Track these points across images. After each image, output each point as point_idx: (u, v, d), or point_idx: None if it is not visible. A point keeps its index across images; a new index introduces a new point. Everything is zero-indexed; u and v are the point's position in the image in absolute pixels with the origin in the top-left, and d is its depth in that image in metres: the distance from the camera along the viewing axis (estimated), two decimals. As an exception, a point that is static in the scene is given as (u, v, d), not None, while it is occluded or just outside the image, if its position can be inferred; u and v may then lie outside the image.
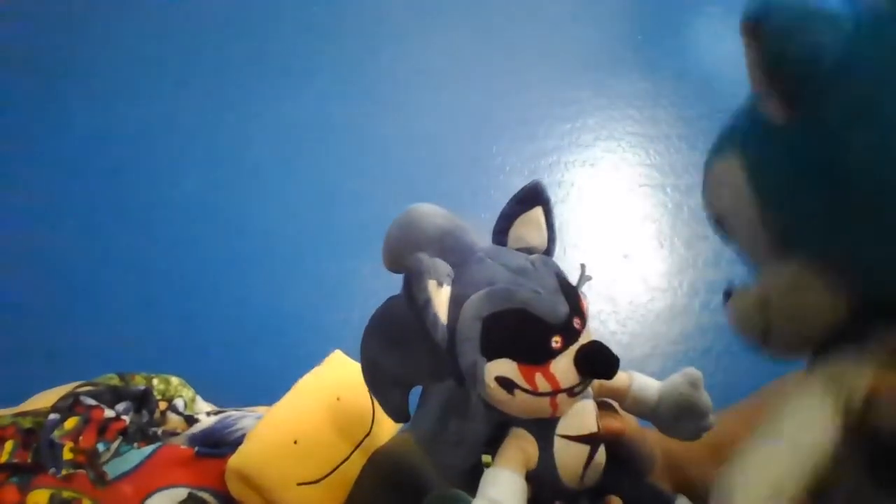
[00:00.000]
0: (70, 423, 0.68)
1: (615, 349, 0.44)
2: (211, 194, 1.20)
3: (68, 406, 0.70)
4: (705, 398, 0.50)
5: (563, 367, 0.43)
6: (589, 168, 1.33)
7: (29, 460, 0.66)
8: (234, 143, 1.25)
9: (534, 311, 0.43)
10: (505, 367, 0.43)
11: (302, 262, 1.15)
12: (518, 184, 0.50)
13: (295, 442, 0.64)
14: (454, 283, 0.45)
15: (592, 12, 1.51)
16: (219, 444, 0.71)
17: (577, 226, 1.25)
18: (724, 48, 1.51)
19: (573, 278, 0.49)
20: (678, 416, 0.50)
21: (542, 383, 0.43)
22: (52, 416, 0.68)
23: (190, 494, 0.66)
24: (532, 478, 0.46)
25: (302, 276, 1.14)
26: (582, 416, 0.48)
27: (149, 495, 0.65)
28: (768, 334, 0.36)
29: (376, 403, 0.68)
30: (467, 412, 0.46)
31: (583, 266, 0.50)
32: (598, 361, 0.44)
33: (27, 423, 0.69)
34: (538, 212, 0.50)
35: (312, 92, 1.33)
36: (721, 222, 0.39)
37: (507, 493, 0.44)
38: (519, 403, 0.44)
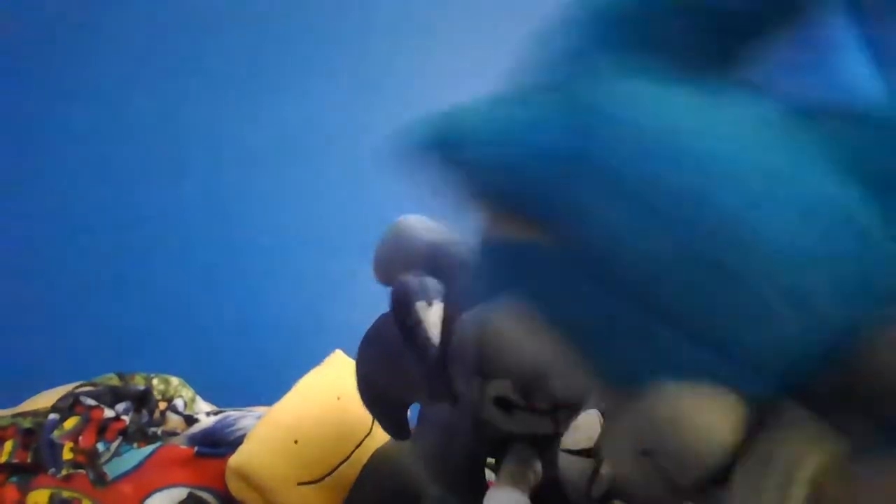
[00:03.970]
0: (70, 423, 0.68)
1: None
2: (211, 194, 1.20)
3: (68, 406, 0.70)
4: None
5: None
6: (589, 168, 1.32)
7: (29, 460, 0.66)
8: (234, 143, 1.25)
9: None
10: (503, 386, 0.41)
11: (302, 262, 1.15)
12: (517, 183, 0.50)
13: (295, 442, 0.64)
14: (446, 300, 0.43)
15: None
16: (219, 444, 0.71)
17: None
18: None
19: None
20: None
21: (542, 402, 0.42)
22: (52, 416, 0.68)
23: (190, 494, 0.66)
24: (538, 494, 0.45)
25: (302, 276, 1.14)
26: (585, 428, 0.46)
27: (149, 495, 0.65)
28: None
29: (377, 403, 0.68)
30: (467, 432, 0.45)
31: None
32: None
33: (27, 423, 0.69)
34: None
35: (312, 92, 1.33)
36: None
37: None
38: (519, 422, 0.42)
